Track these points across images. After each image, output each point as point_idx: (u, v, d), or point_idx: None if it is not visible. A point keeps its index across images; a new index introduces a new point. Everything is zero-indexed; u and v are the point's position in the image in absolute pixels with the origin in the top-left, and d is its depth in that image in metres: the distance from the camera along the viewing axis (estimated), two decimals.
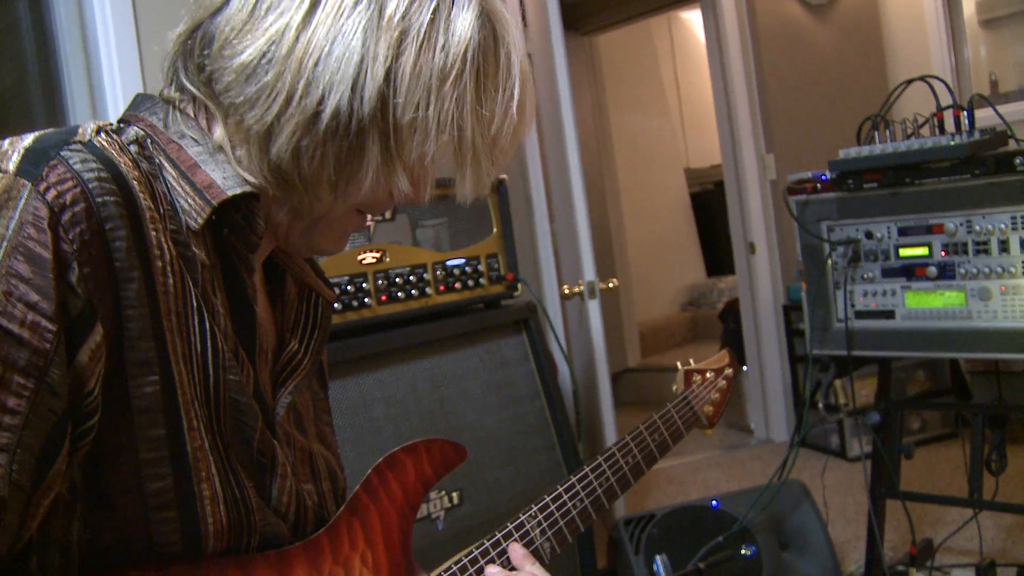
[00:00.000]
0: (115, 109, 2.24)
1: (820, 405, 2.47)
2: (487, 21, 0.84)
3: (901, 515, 2.66)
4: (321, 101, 0.78)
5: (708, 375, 1.40)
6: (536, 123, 3.30)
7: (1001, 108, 4.28)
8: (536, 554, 1.04)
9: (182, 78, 0.85)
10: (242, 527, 0.83)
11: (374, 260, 2.00)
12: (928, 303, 2.28)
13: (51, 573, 0.74)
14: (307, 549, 0.88)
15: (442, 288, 2.11)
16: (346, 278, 1.95)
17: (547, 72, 3.19)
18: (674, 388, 1.39)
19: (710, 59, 4.31)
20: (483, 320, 2.18)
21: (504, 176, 2.24)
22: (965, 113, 2.29)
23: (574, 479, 1.13)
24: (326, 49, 0.78)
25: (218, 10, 0.83)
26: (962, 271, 2.22)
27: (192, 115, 0.86)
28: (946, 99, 2.32)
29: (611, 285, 3.12)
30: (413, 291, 2.05)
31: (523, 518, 1.06)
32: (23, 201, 0.70)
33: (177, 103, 0.86)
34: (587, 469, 1.14)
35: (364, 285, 1.97)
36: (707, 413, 1.38)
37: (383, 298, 2.00)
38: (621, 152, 5.93)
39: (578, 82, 5.44)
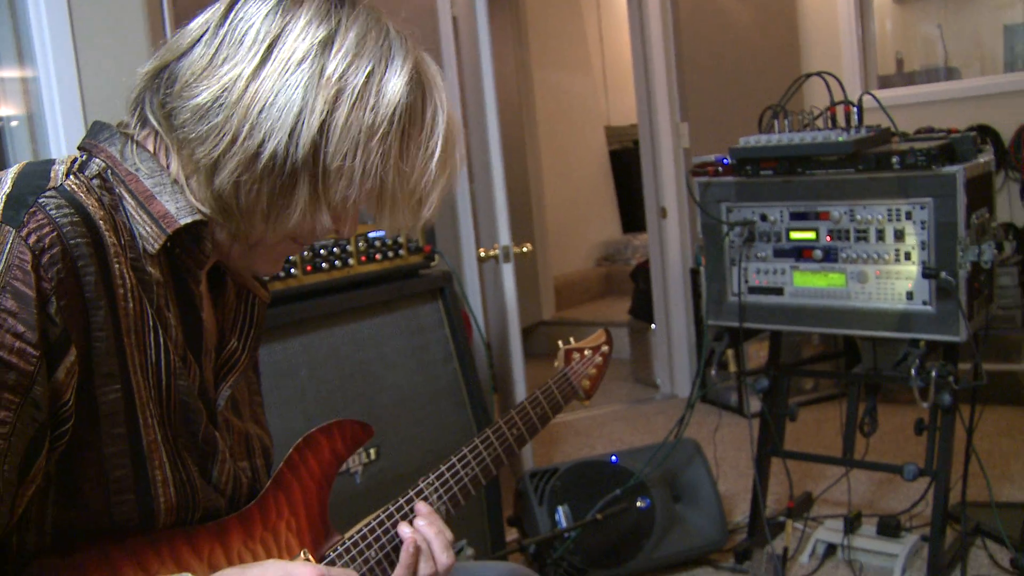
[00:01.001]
0: (42, 53, 2.24)
1: (713, 372, 2.67)
2: (417, 85, 0.97)
3: (786, 470, 2.90)
4: (262, 144, 0.91)
5: (586, 353, 1.56)
6: (459, 86, 3.40)
7: (903, 90, 4.54)
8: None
9: (147, 111, 0.97)
10: (188, 504, 0.97)
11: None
12: (813, 283, 2.49)
13: (28, 549, 0.87)
14: (241, 519, 1.03)
15: (363, 259, 2.23)
16: None
17: (469, 32, 3.28)
18: (556, 364, 1.54)
19: (631, 27, 4.43)
20: (401, 289, 2.31)
21: None
22: (855, 109, 2.49)
23: (465, 449, 1.28)
24: (270, 99, 0.90)
25: (183, 54, 0.95)
26: (844, 255, 2.43)
27: (151, 146, 0.98)
28: (841, 95, 2.51)
29: (525, 249, 3.28)
30: (336, 262, 2.16)
31: (422, 485, 1.22)
32: (8, 246, 0.82)
33: (136, 135, 0.98)
34: (477, 440, 1.29)
35: (290, 257, 2.08)
36: (584, 387, 1.54)
37: (308, 268, 2.11)
38: (543, 109, 6.04)
39: (502, 39, 5.51)
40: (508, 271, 3.30)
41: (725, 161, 2.60)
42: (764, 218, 2.55)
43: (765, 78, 4.11)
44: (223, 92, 0.91)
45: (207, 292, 1.11)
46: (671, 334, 4.58)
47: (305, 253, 2.11)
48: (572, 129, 6.48)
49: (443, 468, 1.25)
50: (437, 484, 1.23)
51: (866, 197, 2.37)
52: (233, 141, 0.91)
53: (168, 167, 0.98)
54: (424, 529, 1.18)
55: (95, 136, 0.99)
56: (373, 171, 0.94)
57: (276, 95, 0.91)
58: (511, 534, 2.82)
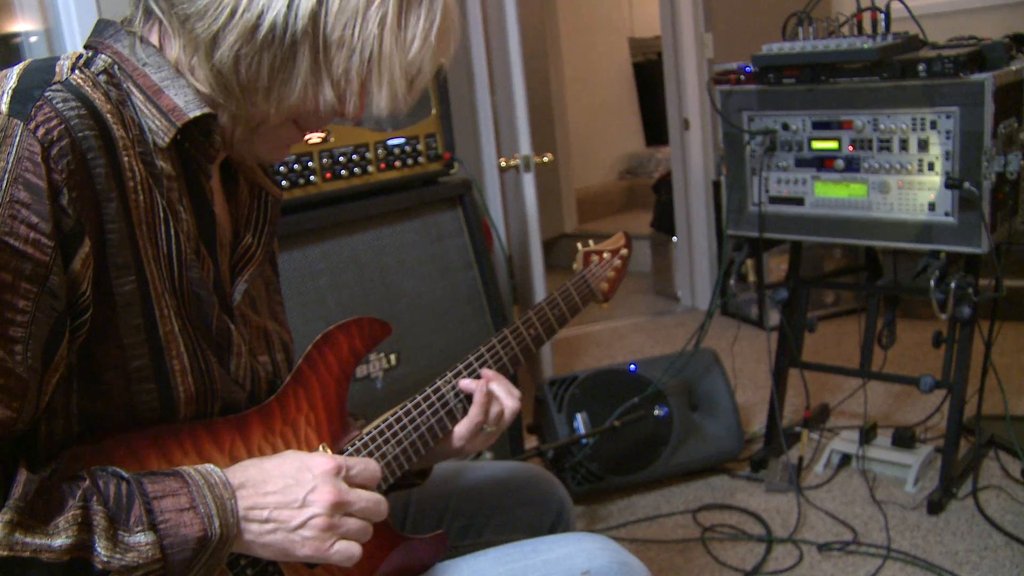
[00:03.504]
0: None
1: (732, 282, 2.67)
2: None
3: (803, 381, 2.93)
4: (261, 15, 0.91)
5: (605, 255, 1.57)
6: None
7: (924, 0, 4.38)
8: (451, 414, 1.23)
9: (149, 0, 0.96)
10: (207, 394, 1.00)
11: (319, 139, 2.11)
12: (834, 193, 2.47)
13: (57, 437, 0.91)
14: (261, 413, 1.06)
15: (383, 166, 2.23)
16: (293, 156, 2.06)
17: None
18: (574, 267, 1.55)
19: None
20: (421, 196, 2.32)
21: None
22: (882, 16, 2.43)
23: (483, 348, 1.30)
24: None
25: None
26: (866, 165, 2.40)
27: (155, 38, 0.98)
28: (869, 0, 2.45)
29: (546, 159, 3.26)
30: (356, 169, 2.17)
31: (439, 382, 1.24)
32: (17, 139, 0.83)
33: (141, 28, 0.98)
34: (494, 339, 1.31)
35: (310, 163, 2.09)
36: (603, 289, 1.55)
37: (327, 175, 2.12)
38: (565, 20, 5.93)
39: None
40: (529, 181, 3.29)
41: (748, 69, 2.56)
42: (786, 127, 2.51)
43: None
44: None
45: (220, 188, 1.12)
46: (692, 247, 4.57)
47: (325, 160, 2.11)
48: (595, 41, 6.37)
49: (460, 366, 1.27)
50: (454, 381, 1.25)
51: (891, 106, 2.33)
52: (232, 13, 0.91)
53: (171, 53, 0.97)
54: (491, 377, 1.27)
55: (100, 33, 0.99)
56: (371, 40, 0.94)
57: None
58: (531, 441, 2.88)
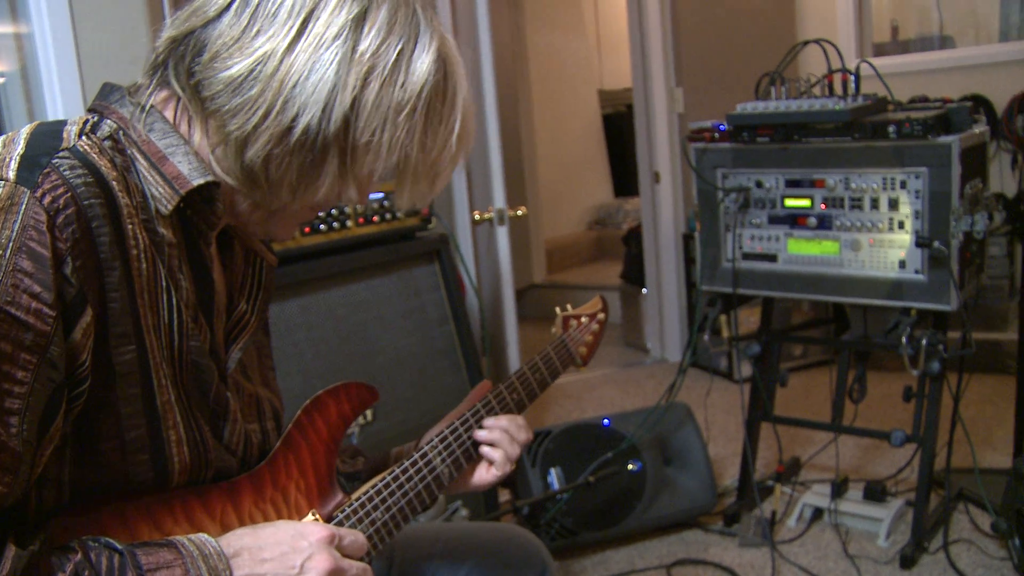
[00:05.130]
0: (36, 8, 2.20)
1: (706, 336, 2.70)
2: (442, 64, 0.99)
3: (775, 435, 2.95)
4: (295, 118, 0.92)
5: (583, 320, 1.58)
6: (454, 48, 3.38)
7: (898, 58, 4.52)
8: (438, 479, 1.23)
9: (171, 78, 0.97)
10: (200, 463, 0.98)
11: None
12: (807, 250, 2.51)
13: (47, 506, 0.89)
14: (252, 479, 1.05)
15: (361, 220, 2.23)
16: None
17: None
18: (553, 331, 1.56)
19: None
20: (398, 251, 2.32)
21: None
22: (852, 77, 2.49)
23: (468, 413, 1.30)
24: (305, 74, 0.91)
25: (211, 22, 0.94)
26: (838, 223, 2.45)
27: (170, 111, 0.98)
28: (838, 62, 2.51)
29: (519, 213, 3.28)
30: (334, 223, 2.17)
31: (425, 447, 1.24)
32: (24, 207, 0.83)
33: (152, 98, 0.98)
34: (479, 405, 1.32)
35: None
36: (581, 353, 1.56)
37: (306, 230, 2.12)
38: (537, 71, 6.01)
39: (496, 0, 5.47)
40: (503, 234, 3.31)
41: (722, 127, 2.60)
42: (759, 185, 2.56)
43: (761, 44, 4.10)
44: (257, 65, 0.91)
45: (216, 254, 1.12)
46: (663, 298, 4.60)
47: None
48: (565, 92, 6.46)
49: (446, 431, 1.26)
50: (441, 447, 1.24)
51: (862, 165, 2.38)
52: (266, 115, 0.92)
53: (191, 136, 0.98)
54: (499, 423, 1.31)
55: (106, 98, 0.99)
56: (399, 146, 0.96)
57: (311, 70, 0.91)
58: (504, 495, 2.86)
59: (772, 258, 2.58)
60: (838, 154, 2.41)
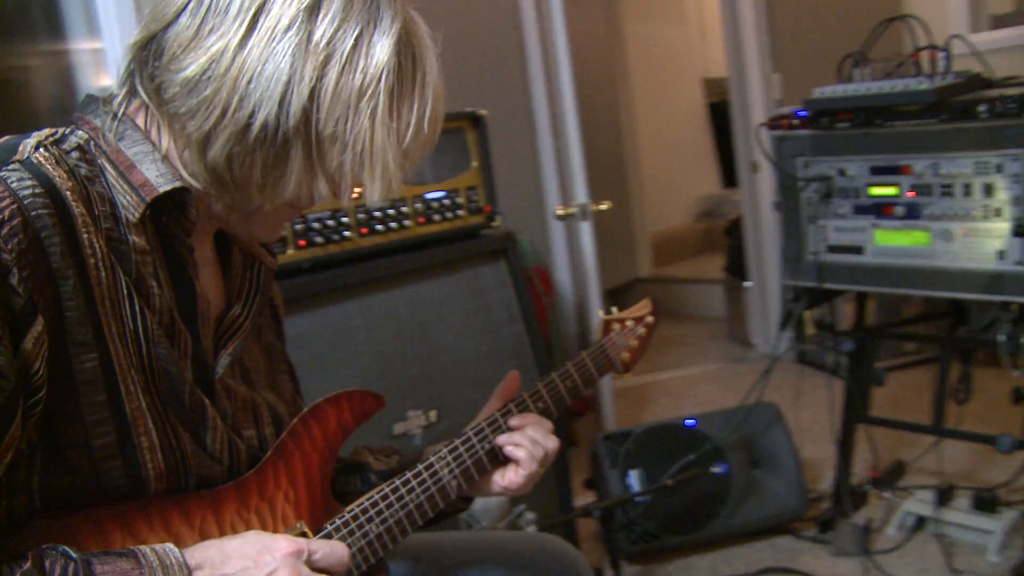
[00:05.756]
0: (107, 25, 2.31)
1: (789, 334, 2.57)
2: (407, 45, 0.96)
3: (879, 435, 2.78)
4: (252, 114, 0.91)
5: (628, 323, 1.50)
6: (539, 40, 3.34)
7: (993, 34, 4.18)
8: (444, 491, 1.19)
9: (136, 84, 0.97)
10: (178, 470, 0.98)
11: (356, 195, 2.10)
12: (895, 241, 2.36)
13: (18, 513, 0.90)
14: (237, 488, 1.03)
15: (421, 220, 2.22)
16: (327, 212, 2.06)
17: None
18: (595, 336, 1.49)
19: None
20: (462, 249, 2.29)
21: (483, 112, 2.32)
22: (942, 55, 2.32)
23: (484, 423, 1.26)
24: (258, 69, 0.90)
25: (169, 24, 0.94)
26: (928, 212, 2.28)
27: (141, 119, 0.99)
28: (927, 38, 2.34)
29: (603, 207, 3.21)
30: (392, 224, 2.16)
31: (432, 459, 1.20)
32: None
33: (124, 107, 0.99)
34: (497, 415, 1.27)
35: (344, 219, 2.08)
36: (624, 359, 1.48)
37: (363, 231, 2.11)
38: (636, 61, 5.89)
39: None
40: (586, 229, 3.25)
41: (801, 113, 2.47)
42: (842, 173, 2.41)
43: (863, 22, 3.88)
44: (211, 64, 0.91)
45: (215, 258, 1.12)
46: (766, 291, 4.44)
47: (360, 215, 2.10)
48: (667, 82, 6.31)
49: (457, 441, 1.23)
50: (450, 458, 1.21)
51: (952, 149, 2.21)
52: (223, 113, 0.91)
53: (159, 141, 0.98)
54: (522, 425, 1.27)
55: (84, 108, 1.00)
56: (364, 133, 0.93)
57: (264, 64, 0.90)
58: (586, 497, 2.81)
59: (858, 250, 2.43)
60: (925, 138, 2.25)
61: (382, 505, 1.12)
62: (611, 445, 2.63)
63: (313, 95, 0.91)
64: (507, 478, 1.26)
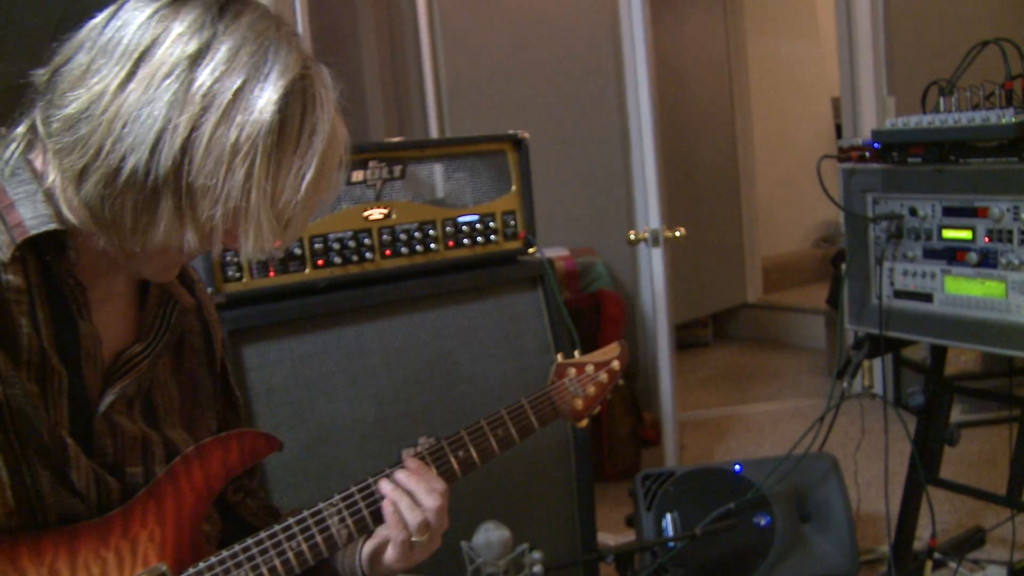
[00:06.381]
0: None
1: (845, 384, 2.38)
2: (295, 100, 0.92)
3: (952, 498, 2.54)
4: (123, 159, 0.89)
5: (587, 368, 1.39)
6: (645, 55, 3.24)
7: None
8: (331, 540, 1.13)
9: (35, 117, 0.97)
10: (32, 508, 0.96)
11: (381, 216, 2.08)
12: (967, 290, 2.14)
13: None
14: (100, 525, 1.01)
15: (451, 244, 2.16)
16: (349, 232, 2.04)
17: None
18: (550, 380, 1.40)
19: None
20: (495, 275, 2.22)
21: (525, 135, 2.25)
22: None
23: (388, 468, 1.19)
24: (133, 114, 0.89)
25: (69, 59, 0.94)
26: (1004, 260, 2.06)
27: (36, 152, 0.98)
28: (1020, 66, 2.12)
29: (678, 234, 3.07)
30: (418, 247, 2.11)
31: (321, 505, 1.14)
32: None
33: (21, 142, 0.99)
34: (408, 458, 1.20)
35: (367, 240, 2.05)
36: (575, 407, 1.37)
37: (387, 252, 2.08)
38: (759, 78, 5.66)
39: (708, 4, 5.22)
40: (657, 256, 3.13)
41: (875, 145, 2.28)
42: (914, 212, 2.21)
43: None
44: (90, 104, 0.91)
45: (132, 294, 1.10)
46: None
47: (384, 236, 2.07)
48: (793, 100, 6.04)
49: (354, 488, 1.17)
50: (342, 504, 1.14)
51: None
52: (96, 154, 0.90)
53: (46, 174, 0.97)
54: (404, 481, 1.18)
55: None
56: (237, 191, 0.91)
57: (140, 110, 0.89)
58: (628, 535, 2.69)
59: (927, 298, 2.22)
60: (1005, 178, 2.02)
61: (255, 551, 1.07)
62: (649, 485, 2.50)
63: (186, 146, 0.89)
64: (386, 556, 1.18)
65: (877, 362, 3.91)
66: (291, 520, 1.11)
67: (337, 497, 1.15)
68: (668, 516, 2.45)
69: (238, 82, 0.90)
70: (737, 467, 2.54)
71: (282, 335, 1.97)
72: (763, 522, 2.44)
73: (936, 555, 2.54)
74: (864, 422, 2.96)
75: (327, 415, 2.00)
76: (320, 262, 2.01)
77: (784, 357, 5.03)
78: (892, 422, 2.36)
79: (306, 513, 1.12)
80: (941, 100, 2.21)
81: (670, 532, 2.43)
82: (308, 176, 0.93)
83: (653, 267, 3.13)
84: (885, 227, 2.26)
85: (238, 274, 1.94)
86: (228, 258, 1.91)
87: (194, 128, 0.89)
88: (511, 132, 2.25)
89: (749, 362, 5.01)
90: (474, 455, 1.24)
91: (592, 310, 3.41)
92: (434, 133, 3.65)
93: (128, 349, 1.08)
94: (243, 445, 1.10)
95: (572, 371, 1.39)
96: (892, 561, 2.50)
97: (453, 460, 1.22)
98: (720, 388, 4.57)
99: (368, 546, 1.19)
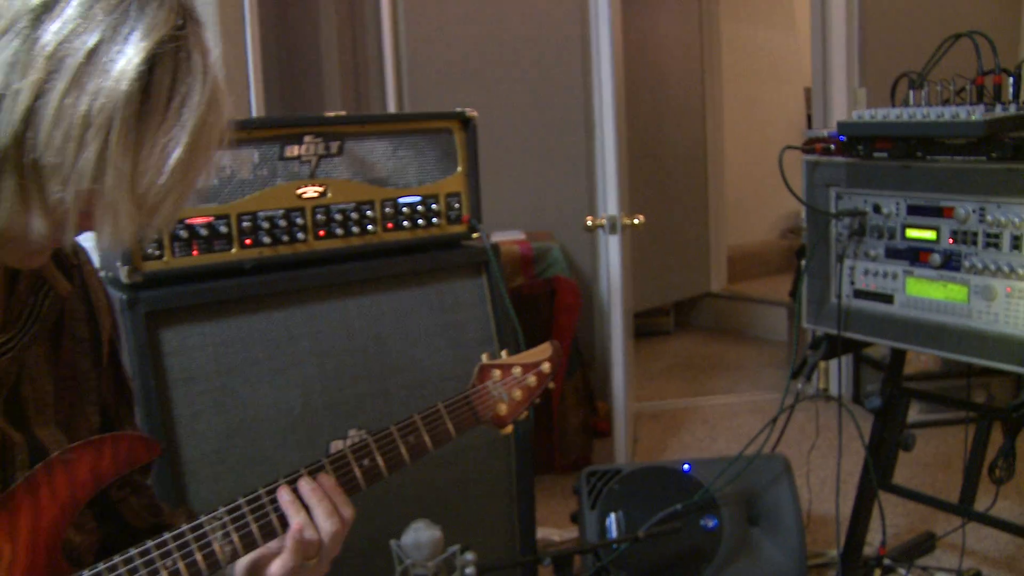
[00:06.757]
0: None
1: (799, 384, 2.29)
2: (164, 64, 0.78)
3: (905, 501, 2.47)
4: None
5: (514, 371, 1.28)
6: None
7: None
8: (211, 557, 1.01)
9: None
10: None
11: (315, 195, 1.95)
12: (929, 293, 2.05)
13: None
14: None
15: (390, 226, 2.04)
16: (280, 211, 1.91)
17: None
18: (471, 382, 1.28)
19: None
20: (436, 260, 2.11)
21: (473, 113, 2.12)
22: (1011, 80, 2.00)
23: (284, 479, 1.07)
24: None
25: None
26: (968, 264, 1.97)
27: None
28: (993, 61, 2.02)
29: (636, 221, 2.96)
30: (354, 227, 1.99)
31: (203, 518, 1.02)
32: None
33: None
34: (303, 469, 1.08)
35: (299, 220, 1.93)
36: (498, 413, 1.26)
37: (320, 233, 1.96)
38: (731, 66, 5.55)
39: None
40: (615, 243, 3.02)
41: (842, 138, 2.18)
42: (877, 209, 2.12)
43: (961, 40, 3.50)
44: None
45: (2, 280, 0.98)
46: None
47: (319, 216, 1.94)
48: (765, 89, 5.94)
49: (241, 500, 1.04)
50: (227, 518, 1.02)
51: (1002, 193, 1.89)
52: None
53: None
54: (306, 495, 1.05)
55: None
56: (90, 171, 0.77)
57: None
58: (572, 531, 2.60)
59: (888, 299, 2.13)
60: (972, 177, 1.93)
61: (123, 570, 0.95)
62: (594, 483, 2.40)
63: (28, 117, 0.76)
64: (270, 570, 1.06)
65: (834, 363, 3.84)
66: (167, 535, 0.99)
67: (223, 510, 1.03)
68: (612, 516, 2.36)
69: (91, 41, 0.76)
70: (686, 467, 2.45)
71: (204, 318, 1.84)
72: (710, 524, 2.36)
73: (886, 562, 2.47)
74: (820, 420, 2.87)
75: (250, 404, 1.88)
76: (248, 241, 1.88)
77: (745, 348, 4.96)
78: (847, 424, 2.30)
79: (186, 527, 1.00)
80: (911, 93, 2.12)
81: (614, 532, 2.34)
82: (175, 155, 0.80)
83: (610, 254, 3.03)
84: (848, 223, 2.17)
85: (158, 252, 1.81)
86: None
87: (39, 95, 0.75)
88: (459, 109, 2.12)
89: (710, 352, 4.93)
90: (381, 464, 1.12)
91: (546, 296, 3.30)
92: (392, 109, 3.51)
93: None
94: (118, 450, 0.98)
95: (497, 373, 1.28)
96: (840, 568, 2.43)
97: (357, 470, 1.11)
98: (679, 378, 4.48)
99: (246, 558, 1.07)
